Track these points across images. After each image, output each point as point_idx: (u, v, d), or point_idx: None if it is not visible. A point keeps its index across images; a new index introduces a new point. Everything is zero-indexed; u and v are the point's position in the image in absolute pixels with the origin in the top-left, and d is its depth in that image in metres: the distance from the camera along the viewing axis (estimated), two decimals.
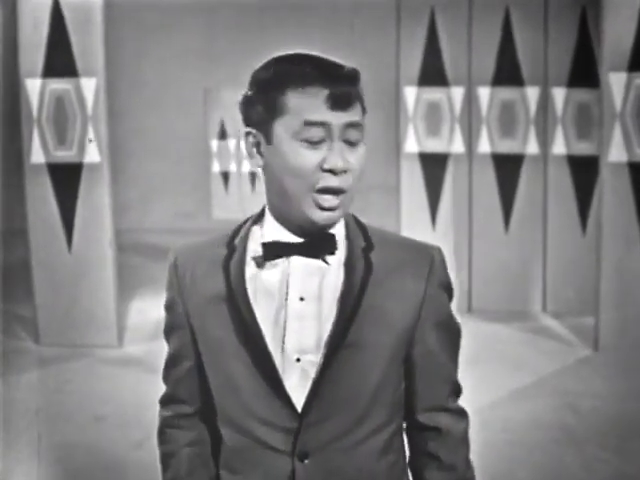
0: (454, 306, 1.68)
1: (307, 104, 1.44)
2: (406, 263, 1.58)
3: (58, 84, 5.87)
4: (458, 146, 6.77)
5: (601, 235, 5.85)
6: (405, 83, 6.72)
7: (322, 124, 1.44)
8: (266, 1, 10.17)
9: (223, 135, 12.00)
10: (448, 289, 1.63)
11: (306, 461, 1.53)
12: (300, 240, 1.53)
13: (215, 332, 1.56)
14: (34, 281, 6.04)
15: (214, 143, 11.78)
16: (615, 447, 4.40)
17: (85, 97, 5.89)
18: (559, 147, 6.70)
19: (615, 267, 5.83)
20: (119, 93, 8.73)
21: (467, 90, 6.70)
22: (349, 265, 1.54)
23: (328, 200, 1.47)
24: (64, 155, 5.92)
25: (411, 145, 6.76)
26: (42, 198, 5.95)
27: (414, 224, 6.68)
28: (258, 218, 1.60)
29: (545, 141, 6.72)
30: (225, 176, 11.99)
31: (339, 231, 1.56)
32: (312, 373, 1.52)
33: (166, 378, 1.72)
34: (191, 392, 1.68)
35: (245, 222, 1.62)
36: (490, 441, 4.51)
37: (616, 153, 5.76)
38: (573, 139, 6.68)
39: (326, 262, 1.53)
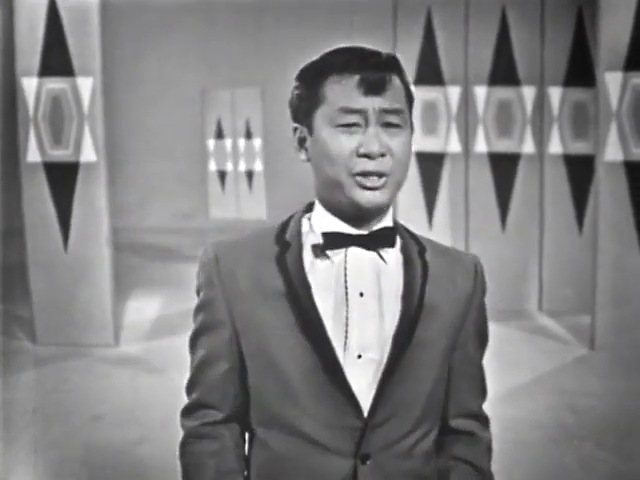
0: None
1: (342, 91, 1.46)
2: (455, 267, 1.61)
3: (55, 83, 5.87)
4: (455, 145, 6.78)
5: (597, 234, 5.86)
6: None
7: (357, 110, 1.46)
8: (264, 1, 10.18)
9: (220, 135, 12.00)
10: (485, 298, 1.66)
11: (368, 462, 1.49)
12: (361, 232, 1.52)
13: (269, 330, 1.50)
14: (31, 281, 6.04)
15: (211, 143, 11.79)
16: (612, 446, 4.40)
17: (81, 96, 5.89)
18: (555, 146, 6.71)
19: (611, 266, 5.84)
20: (116, 93, 8.73)
21: (464, 89, 6.71)
22: (408, 263, 1.55)
23: (370, 180, 1.46)
24: (60, 154, 5.92)
25: None
26: (38, 197, 5.95)
27: (411, 223, 6.65)
28: (306, 212, 1.59)
29: (541, 140, 6.73)
30: (222, 175, 11.99)
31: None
32: (371, 371, 1.49)
33: (194, 384, 1.61)
34: (223, 396, 1.59)
35: (290, 218, 1.60)
36: None
37: (612, 152, 5.77)
38: (569, 138, 6.70)
39: (383, 259, 1.53)
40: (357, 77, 1.45)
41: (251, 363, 1.54)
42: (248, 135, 11.71)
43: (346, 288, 1.50)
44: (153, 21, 10.41)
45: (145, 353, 5.91)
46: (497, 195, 6.80)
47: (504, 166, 6.76)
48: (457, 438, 1.64)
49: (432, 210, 6.84)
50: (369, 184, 1.46)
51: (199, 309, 1.59)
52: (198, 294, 1.60)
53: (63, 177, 5.93)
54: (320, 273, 1.51)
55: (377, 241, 1.53)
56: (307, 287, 1.49)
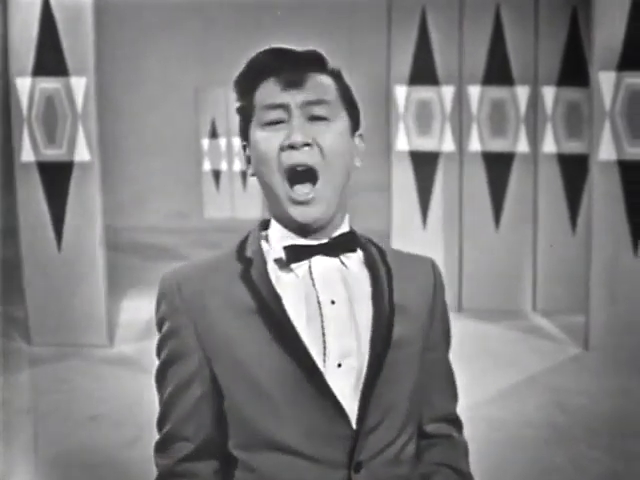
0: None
1: (264, 92, 1.48)
2: (415, 268, 1.61)
3: (48, 83, 5.86)
4: (449, 145, 6.79)
5: (591, 233, 5.87)
6: (396, 82, 6.73)
7: (279, 106, 1.46)
8: (260, 1, 10.17)
9: (214, 134, 11.99)
10: (444, 295, 1.66)
11: (361, 471, 1.45)
12: (320, 241, 1.51)
13: (244, 348, 1.45)
14: (25, 281, 6.03)
15: (205, 142, 11.79)
16: (605, 445, 4.41)
17: (75, 96, 5.88)
18: (549, 146, 6.72)
19: (605, 265, 5.85)
20: (110, 92, 8.72)
21: (458, 89, 6.72)
22: (372, 267, 1.54)
23: (298, 190, 1.45)
24: (54, 154, 5.92)
25: (402, 144, 6.77)
26: (32, 197, 5.94)
27: (405, 222, 6.69)
28: (261, 229, 1.57)
29: (535, 140, 6.74)
30: (216, 175, 11.99)
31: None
32: (353, 378, 1.46)
33: (166, 417, 1.56)
34: (199, 426, 1.53)
35: (246, 237, 1.57)
36: (480, 439, 4.51)
37: (606, 151, 5.78)
38: (563, 138, 6.71)
39: (345, 265, 1.52)
40: (275, 76, 1.47)
41: (227, 385, 1.48)
42: None
43: (317, 298, 1.48)
44: (147, 21, 10.39)
45: (140, 353, 5.90)
46: (491, 194, 6.81)
47: (498, 165, 6.77)
48: (435, 442, 1.63)
49: (426, 209, 6.84)
50: (300, 198, 1.45)
51: (164, 340, 1.54)
52: (160, 327, 1.54)
53: (57, 177, 5.93)
54: (287, 286, 1.48)
55: (338, 247, 1.51)
56: (278, 300, 1.46)
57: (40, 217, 5.96)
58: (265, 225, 1.58)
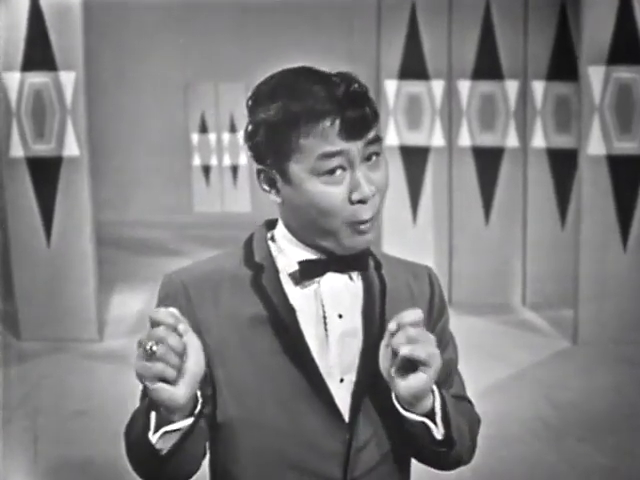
0: None
1: (320, 139, 1.35)
2: (410, 277, 1.56)
3: (37, 78, 5.84)
4: (438, 139, 6.79)
5: (580, 228, 5.88)
6: (385, 76, 6.73)
7: (338, 153, 1.35)
8: None
9: (204, 129, 11.97)
10: (446, 308, 1.62)
11: None
12: (335, 257, 1.45)
13: (250, 357, 1.41)
14: (14, 276, 6.02)
15: (195, 137, 11.76)
16: (594, 440, 4.43)
17: (64, 91, 5.86)
18: (538, 140, 6.73)
19: (594, 260, 5.87)
20: (99, 87, 8.70)
21: (447, 83, 6.72)
22: (367, 281, 1.49)
23: (364, 227, 1.39)
24: (43, 149, 5.90)
25: (392, 138, 6.77)
26: (21, 192, 5.92)
27: (395, 217, 6.69)
28: (267, 229, 1.51)
29: (525, 134, 6.75)
30: (206, 170, 11.96)
31: None
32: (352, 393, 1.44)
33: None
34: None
35: (251, 239, 1.51)
36: None
37: (595, 146, 5.79)
38: (552, 132, 6.72)
39: (350, 277, 1.48)
40: (337, 121, 1.34)
41: (224, 394, 1.43)
42: (232, 129, 11.68)
43: (324, 312, 1.44)
44: (136, 15, 10.37)
45: (129, 348, 5.85)
46: (480, 189, 6.82)
47: (488, 160, 6.78)
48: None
49: (416, 204, 6.84)
50: (363, 228, 1.39)
51: None
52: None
53: (46, 172, 5.91)
54: (298, 297, 1.44)
55: (352, 265, 1.46)
56: (292, 311, 1.42)
57: (29, 212, 5.94)
58: (271, 225, 1.52)
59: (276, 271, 1.45)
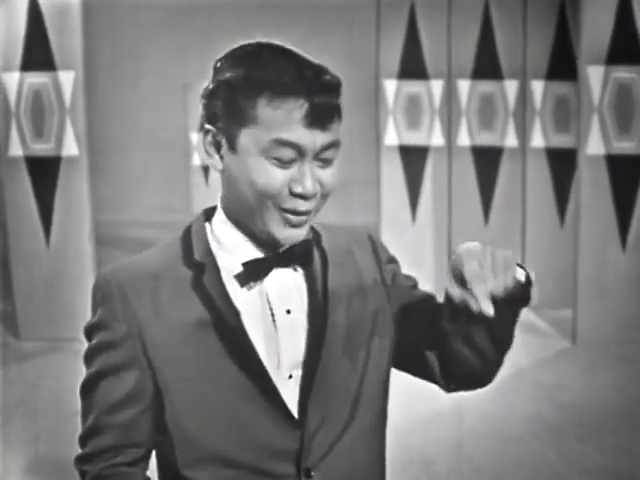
0: None
1: (281, 119, 1.29)
2: (352, 246, 1.52)
3: (36, 77, 5.84)
4: (438, 139, 6.79)
5: (579, 228, 5.88)
6: (385, 76, 6.72)
7: (295, 145, 1.30)
8: None
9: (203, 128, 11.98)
10: (395, 260, 1.59)
11: (312, 474, 1.41)
12: (277, 252, 1.41)
13: (194, 361, 1.37)
14: (13, 276, 6.02)
15: (194, 136, 11.76)
16: (593, 439, 4.43)
17: (63, 90, 5.86)
18: (538, 140, 6.73)
19: (593, 259, 5.87)
20: (98, 86, 8.70)
21: (447, 83, 6.71)
22: (306, 257, 1.44)
23: (296, 219, 1.34)
24: (42, 148, 5.89)
25: (391, 138, 6.76)
26: (20, 192, 5.92)
27: (394, 217, 6.69)
28: (205, 220, 1.45)
29: (524, 134, 6.75)
30: (206, 169, 11.97)
31: None
32: (299, 388, 1.42)
33: (95, 433, 1.43)
34: (144, 436, 1.42)
35: (189, 231, 1.45)
36: (468, 433, 4.53)
37: (594, 146, 5.79)
38: (551, 132, 6.71)
39: (295, 269, 1.43)
40: (305, 106, 1.29)
41: (172, 399, 1.39)
42: None
43: (271, 310, 1.40)
44: (135, 15, 10.36)
45: None
46: (480, 188, 6.81)
47: (487, 159, 6.78)
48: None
49: (415, 204, 6.84)
50: (294, 222, 1.34)
51: (99, 350, 1.40)
52: (92, 332, 1.42)
53: (45, 171, 5.91)
54: (242, 298, 1.39)
55: (295, 259, 1.42)
56: (236, 314, 1.38)
57: (28, 212, 5.94)
58: (209, 214, 1.46)
59: (217, 271, 1.39)
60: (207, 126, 1.36)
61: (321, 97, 1.29)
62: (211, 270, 1.39)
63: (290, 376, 1.41)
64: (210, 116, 1.36)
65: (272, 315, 1.40)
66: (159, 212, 11.18)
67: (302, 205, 1.33)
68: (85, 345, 1.45)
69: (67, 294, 6.00)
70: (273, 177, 1.31)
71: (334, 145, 1.34)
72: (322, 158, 1.34)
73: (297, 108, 1.28)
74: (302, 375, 1.41)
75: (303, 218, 1.35)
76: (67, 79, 5.85)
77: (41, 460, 4.26)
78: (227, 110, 1.33)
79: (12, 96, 5.84)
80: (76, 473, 1.49)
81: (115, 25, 10.33)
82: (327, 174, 1.35)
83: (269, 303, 1.40)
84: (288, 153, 1.30)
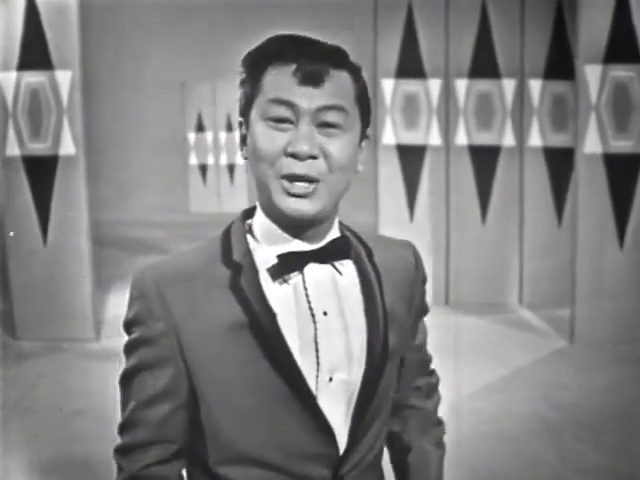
0: (430, 298, 1.67)
1: (275, 80, 1.32)
2: (397, 261, 1.51)
3: (33, 77, 5.84)
4: (435, 138, 6.79)
5: (577, 226, 5.88)
6: (383, 75, 6.73)
7: (288, 103, 1.31)
8: None
9: (201, 128, 11.96)
10: (426, 279, 1.60)
11: None
12: (313, 247, 1.39)
13: (230, 363, 1.36)
14: (10, 275, 6.01)
15: (192, 136, 11.76)
16: (591, 438, 4.43)
17: (60, 90, 5.86)
18: (535, 139, 6.74)
19: (591, 259, 5.87)
20: (95, 86, 8.68)
21: (444, 82, 6.72)
22: (362, 272, 1.44)
23: (295, 186, 1.32)
24: (39, 148, 5.89)
25: (389, 137, 6.77)
26: (17, 191, 5.92)
27: (392, 216, 6.69)
28: (244, 219, 1.45)
29: (521, 133, 6.75)
30: (203, 169, 11.96)
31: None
32: (341, 392, 1.39)
33: (132, 425, 1.44)
34: (178, 432, 1.43)
35: (229, 231, 1.44)
36: (466, 432, 4.53)
37: (591, 145, 5.79)
38: (549, 131, 6.72)
39: (339, 272, 1.41)
40: (293, 66, 1.31)
41: (207, 399, 1.39)
42: (229, 128, 11.69)
43: (311, 309, 1.38)
44: (133, 14, 10.36)
45: None
46: (477, 188, 6.82)
47: (484, 159, 6.78)
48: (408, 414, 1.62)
49: (413, 203, 6.84)
50: (294, 190, 1.31)
51: (136, 345, 1.41)
52: (131, 328, 1.42)
53: (42, 170, 5.91)
54: (280, 297, 1.37)
55: (332, 254, 1.40)
56: (272, 316, 1.35)
57: (25, 211, 5.94)
58: (248, 214, 1.45)
59: (255, 271, 1.38)
60: (239, 119, 1.40)
61: (311, 59, 1.31)
62: (249, 271, 1.38)
63: (330, 379, 1.38)
64: (240, 108, 1.39)
65: (312, 316, 1.39)
66: (157, 212, 11.19)
67: (299, 168, 1.31)
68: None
69: (65, 294, 6.00)
70: (271, 140, 1.31)
71: (334, 108, 1.32)
72: (323, 122, 1.32)
73: (288, 69, 1.31)
74: (358, 394, 1.40)
75: (303, 185, 1.32)
76: (64, 79, 5.85)
77: (41, 460, 4.26)
78: (244, 91, 1.37)
79: (9, 95, 5.84)
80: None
81: (113, 24, 10.33)
82: (335, 145, 1.33)
83: (308, 302, 1.39)
84: (283, 112, 1.31)
